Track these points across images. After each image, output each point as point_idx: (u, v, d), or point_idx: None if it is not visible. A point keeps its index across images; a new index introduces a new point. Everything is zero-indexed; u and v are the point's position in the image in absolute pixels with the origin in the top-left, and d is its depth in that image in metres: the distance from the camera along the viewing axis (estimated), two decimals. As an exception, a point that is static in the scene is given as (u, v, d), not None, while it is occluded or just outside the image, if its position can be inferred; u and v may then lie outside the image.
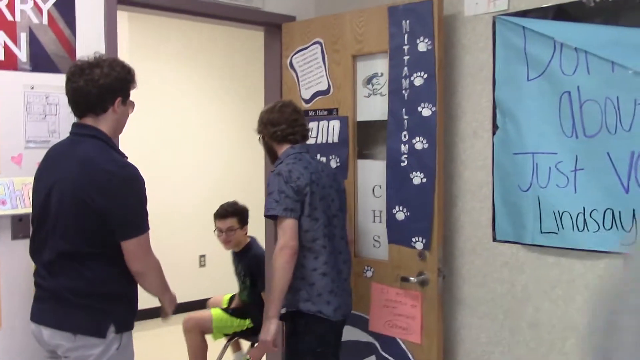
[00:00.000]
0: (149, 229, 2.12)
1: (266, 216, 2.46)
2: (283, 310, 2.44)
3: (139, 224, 2.08)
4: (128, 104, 2.18)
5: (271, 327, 2.38)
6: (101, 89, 2.08)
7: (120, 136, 2.26)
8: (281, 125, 2.56)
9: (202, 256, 6.23)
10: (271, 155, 2.64)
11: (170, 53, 5.92)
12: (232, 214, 3.76)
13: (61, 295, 2.08)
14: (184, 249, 6.00)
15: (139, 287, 2.22)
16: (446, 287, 2.68)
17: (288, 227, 2.39)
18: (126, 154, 2.19)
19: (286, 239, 2.37)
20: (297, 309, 2.44)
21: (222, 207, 3.83)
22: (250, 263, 3.76)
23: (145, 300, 2.37)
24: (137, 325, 2.25)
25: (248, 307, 3.81)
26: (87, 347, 2.06)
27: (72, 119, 2.25)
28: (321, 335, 2.48)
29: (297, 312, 2.45)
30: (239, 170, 6.46)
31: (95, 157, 2.06)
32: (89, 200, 2.01)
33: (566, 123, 2.29)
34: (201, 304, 5.98)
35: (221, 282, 6.21)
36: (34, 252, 2.18)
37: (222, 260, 6.23)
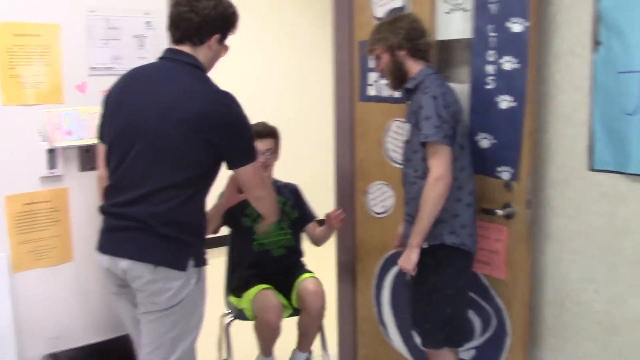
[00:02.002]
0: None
1: (423, 143, 2.32)
2: (425, 245, 2.35)
3: (251, 151, 2.14)
4: (223, 46, 2.14)
5: (413, 256, 2.33)
6: (204, 19, 2.05)
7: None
8: (423, 39, 2.41)
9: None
10: (397, 76, 2.45)
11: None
12: (269, 135, 3.03)
13: (145, 223, 2.01)
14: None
15: None
16: (534, 220, 2.48)
17: (446, 156, 2.28)
18: None
19: (444, 169, 2.27)
20: (442, 242, 2.36)
21: (260, 124, 2.99)
22: (294, 191, 3.24)
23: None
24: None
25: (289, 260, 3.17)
26: (167, 280, 2.02)
27: (136, 43, 2.14)
28: (463, 269, 2.44)
29: (440, 245, 2.36)
30: (289, 97, 6.27)
31: (209, 89, 2.06)
32: (206, 130, 1.99)
33: (684, 36, 2.01)
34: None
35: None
36: (118, 178, 2.08)
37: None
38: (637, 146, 2.15)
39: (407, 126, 2.44)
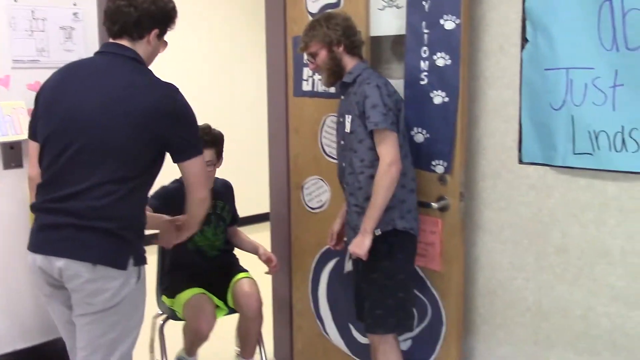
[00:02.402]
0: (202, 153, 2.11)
1: (372, 130, 2.35)
2: (377, 232, 2.39)
3: (198, 144, 2.10)
4: (162, 41, 2.11)
5: (367, 242, 2.36)
6: (143, 13, 2.02)
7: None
8: (357, 35, 2.48)
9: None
10: (334, 72, 2.48)
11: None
12: (212, 144, 2.83)
13: (83, 218, 1.94)
14: (167, 177, 5.84)
15: None
16: (467, 212, 2.55)
17: (394, 142, 2.35)
18: None
19: (395, 155, 2.33)
20: (394, 227, 2.41)
21: (203, 128, 2.72)
22: (229, 189, 3.15)
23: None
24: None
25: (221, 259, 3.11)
26: (106, 279, 1.96)
27: (63, 35, 2.05)
28: (411, 253, 2.51)
29: (392, 230, 2.41)
30: (222, 92, 6.25)
31: (154, 81, 2.03)
32: (153, 123, 1.95)
33: (606, 35, 2.11)
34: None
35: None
36: (55, 175, 2.00)
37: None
38: (563, 140, 2.25)
39: (348, 118, 2.45)
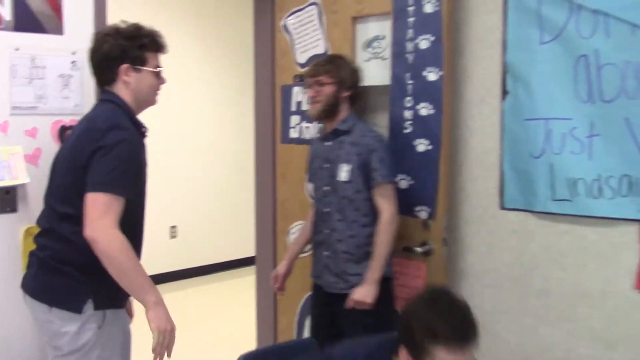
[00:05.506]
0: (118, 194, 1.88)
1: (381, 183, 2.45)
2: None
3: (105, 181, 1.86)
4: (145, 72, 2.05)
5: (373, 291, 2.42)
6: (101, 58, 2.02)
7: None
8: (359, 87, 2.57)
9: (173, 227, 6.07)
10: (329, 110, 2.52)
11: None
12: None
13: (44, 257, 1.97)
14: (155, 220, 5.84)
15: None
16: (450, 256, 2.63)
17: (395, 196, 2.47)
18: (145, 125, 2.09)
19: (396, 208, 2.46)
20: (384, 274, 2.48)
21: None
22: None
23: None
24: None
25: None
26: (62, 322, 1.92)
27: (61, 83, 2.12)
28: (393, 297, 2.58)
29: (383, 277, 2.48)
30: (211, 139, 6.33)
31: (97, 117, 1.98)
32: (79, 156, 1.91)
33: (582, 88, 2.23)
34: (173, 276, 5.92)
35: (193, 254, 6.14)
36: (41, 213, 2.09)
37: (194, 231, 6.17)
38: (543, 186, 2.35)
39: (344, 167, 2.50)
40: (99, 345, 1.95)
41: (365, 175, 2.45)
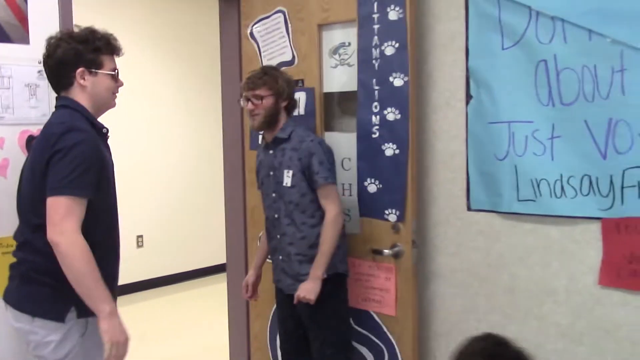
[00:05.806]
0: (78, 196, 1.88)
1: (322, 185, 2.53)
2: (324, 275, 2.51)
3: (63, 185, 1.86)
4: (100, 75, 2.05)
5: (317, 287, 2.47)
6: (55, 63, 2.01)
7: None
8: (295, 95, 2.67)
9: (140, 236, 6.02)
10: (269, 121, 2.58)
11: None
12: None
13: (24, 270, 1.97)
14: (120, 230, 5.79)
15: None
16: (420, 258, 2.68)
17: (338, 195, 2.58)
18: (106, 126, 2.09)
19: (340, 207, 2.55)
20: (336, 271, 2.57)
21: None
22: None
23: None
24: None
25: None
26: (46, 332, 1.93)
27: (28, 92, 2.10)
28: (347, 292, 2.68)
29: (335, 274, 2.56)
30: (176, 146, 6.31)
31: (52, 123, 1.98)
32: (38, 165, 1.92)
33: (542, 92, 2.31)
34: (141, 286, 5.86)
35: (160, 262, 6.09)
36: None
37: (161, 240, 6.12)
38: (508, 188, 2.42)
39: (287, 172, 2.57)
40: (82, 354, 1.98)
41: (307, 178, 2.54)
